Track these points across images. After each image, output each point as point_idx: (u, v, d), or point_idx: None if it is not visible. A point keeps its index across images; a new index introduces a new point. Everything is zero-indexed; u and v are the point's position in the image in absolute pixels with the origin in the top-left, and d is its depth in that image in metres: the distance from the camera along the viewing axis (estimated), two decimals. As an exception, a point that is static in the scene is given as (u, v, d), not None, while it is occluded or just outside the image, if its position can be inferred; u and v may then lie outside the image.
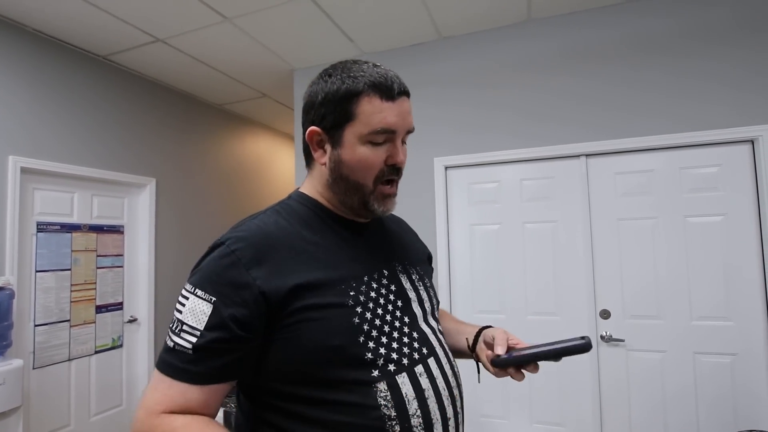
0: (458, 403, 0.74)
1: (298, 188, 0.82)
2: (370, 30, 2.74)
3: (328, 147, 0.72)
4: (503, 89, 2.67)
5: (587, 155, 2.49)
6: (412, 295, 0.77)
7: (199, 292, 0.64)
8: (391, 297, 0.73)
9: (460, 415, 0.74)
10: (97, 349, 2.98)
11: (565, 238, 2.52)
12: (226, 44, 2.88)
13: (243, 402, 0.73)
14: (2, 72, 2.48)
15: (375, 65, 0.70)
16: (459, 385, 0.77)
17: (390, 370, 0.67)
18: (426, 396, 0.68)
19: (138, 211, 3.33)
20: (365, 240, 0.78)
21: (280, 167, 5.05)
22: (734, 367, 2.20)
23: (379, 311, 0.70)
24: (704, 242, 2.27)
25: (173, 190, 3.58)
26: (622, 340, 2.37)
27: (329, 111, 0.70)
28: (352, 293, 0.68)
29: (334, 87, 0.69)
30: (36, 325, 2.62)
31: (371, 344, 0.66)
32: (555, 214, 2.55)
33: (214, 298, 0.62)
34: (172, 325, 0.65)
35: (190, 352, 0.61)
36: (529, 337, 2.55)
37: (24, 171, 2.58)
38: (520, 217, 2.62)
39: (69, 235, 2.84)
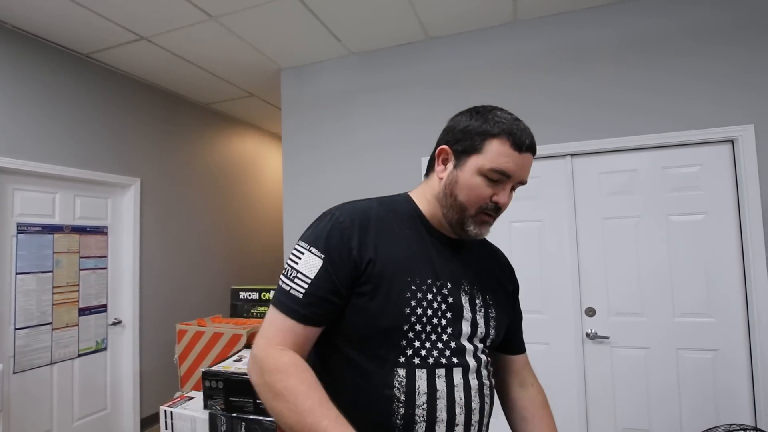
0: (474, 417, 0.80)
1: (408, 192, 0.93)
2: (357, 29, 2.73)
3: (450, 166, 0.83)
4: (489, 89, 2.69)
5: (572, 155, 2.52)
6: (466, 314, 0.83)
7: (314, 250, 0.78)
8: (444, 306, 0.80)
9: (473, 428, 0.80)
10: (80, 353, 2.93)
11: (551, 236, 2.55)
12: (211, 43, 2.85)
13: (312, 350, 0.84)
14: (-20, 70, 2.42)
15: (517, 119, 0.80)
16: (483, 403, 0.82)
17: (414, 362, 0.77)
18: (437, 396, 0.76)
19: (122, 211, 3.28)
20: (446, 252, 0.86)
21: (268, 167, 5.02)
22: (715, 362, 2.24)
23: (429, 312, 0.79)
24: (686, 240, 2.32)
25: (158, 190, 3.53)
26: (607, 338, 2.41)
27: (464, 138, 0.81)
28: (413, 287, 0.79)
29: (477, 123, 0.80)
30: (16, 329, 2.57)
31: (410, 335, 0.77)
32: (541, 214, 2.58)
33: (324, 256, 0.77)
34: (287, 272, 0.79)
35: (301, 297, 0.76)
36: (516, 335, 2.57)
37: (3, 171, 2.52)
38: (507, 216, 2.63)
39: (51, 236, 2.79)
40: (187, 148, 3.85)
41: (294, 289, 0.77)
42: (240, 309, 2.69)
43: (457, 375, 0.78)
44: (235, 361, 1.75)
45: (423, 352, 0.77)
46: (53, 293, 2.78)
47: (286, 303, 0.77)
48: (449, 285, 0.82)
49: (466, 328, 0.82)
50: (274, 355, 0.74)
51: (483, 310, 0.86)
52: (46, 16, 2.48)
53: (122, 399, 3.20)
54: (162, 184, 3.57)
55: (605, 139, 2.43)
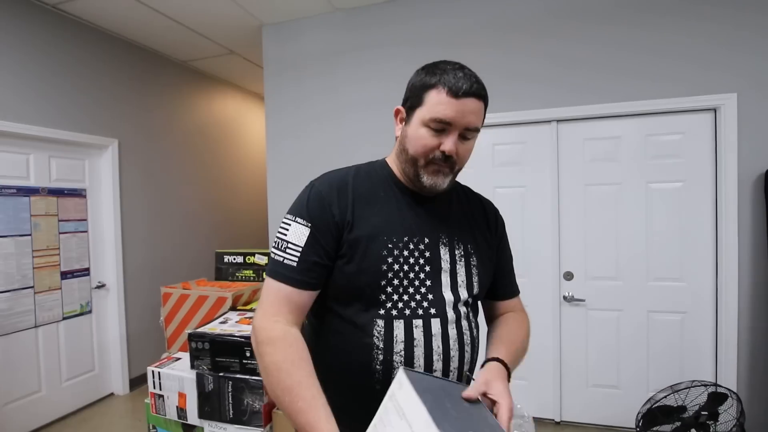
0: (452, 364, 0.85)
1: (385, 157, 0.97)
2: (342, -15, 2.61)
3: (403, 123, 0.88)
4: (476, 49, 2.63)
5: (558, 121, 2.52)
6: (445, 266, 0.87)
7: (300, 220, 0.85)
8: (422, 261, 0.85)
9: (452, 375, 0.85)
10: (65, 316, 2.93)
11: (533, 202, 2.58)
12: (187, -4, 2.70)
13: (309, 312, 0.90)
14: (-63, 20, 2.26)
15: (462, 68, 0.82)
16: (462, 352, 0.87)
17: (392, 314, 0.82)
18: (414, 344, 0.82)
19: (101, 173, 3.20)
20: (422, 210, 0.89)
21: (251, 128, 4.90)
22: (684, 324, 2.36)
23: (406, 267, 0.84)
24: (664, 208, 2.37)
25: (137, 151, 3.43)
26: (583, 300, 2.50)
27: (411, 95, 0.85)
28: (389, 245, 0.84)
29: (419, 78, 0.84)
30: (-3, 292, 2.54)
31: (389, 289, 0.83)
32: (525, 179, 2.60)
33: (310, 224, 0.83)
34: (278, 245, 0.85)
35: (296, 264, 0.82)
36: (496, 298, 2.65)
37: (-29, 131, 2.41)
38: (492, 182, 2.65)
39: (27, 198, 2.71)
40: (165, 108, 3.71)
41: (288, 258, 0.82)
42: (225, 272, 2.70)
43: (435, 325, 0.83)
44: (220, 323, 1.77)
45: (401, 305, 0.83)
46: (33, 257, 2.74)
47: (282, 272, 0.82)
48: (426, 240, 0.87)
49: (445, 279, 0.87)
50: (267, 327, 0.79)
51: (464, 260, 0.90)
52: (5, -39, 2.30)
53: (110, 360, 3.24)
54: (141, 145, 3.46)
55: (592, 105, 2.43)
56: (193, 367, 1.62)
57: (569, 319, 2.54)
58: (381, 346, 0.81)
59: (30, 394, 2.70)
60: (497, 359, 0.83)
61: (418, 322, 0.83)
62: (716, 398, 1.98)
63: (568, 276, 2.53)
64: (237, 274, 2.65)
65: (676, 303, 2.37)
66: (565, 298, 2.52)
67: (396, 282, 0.83)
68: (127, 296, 3.31)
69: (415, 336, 0.82)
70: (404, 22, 2.78)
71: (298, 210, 0.86)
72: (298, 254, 0.82)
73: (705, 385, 2.03)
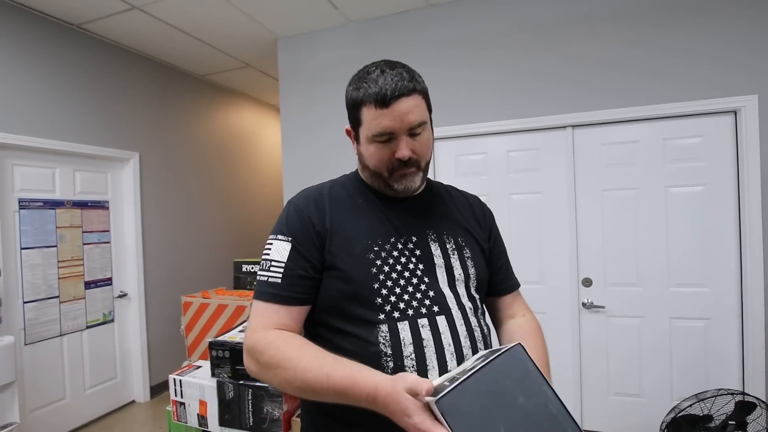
0: None
1: (356, 169, 0.96)
2: (355, -3, 2.65)
3: (356, 142, 0.88)
4: (490, 59, 2.64)
5: (573, 126, 2.50)
6: (438, 261, 0.85)
7: (280, 237, 0.83)
8: (414, 259, 0.83)
9: None
10: (88, 324, 3.00)
11: (550, 208, 2.56)
12: (206, 12, 2.78)
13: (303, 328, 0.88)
14: (-30, 42, 2.37)
15: (383, 71, 0.79)
16: (476, 349, 0.82)
17: (394, 316, 0.79)
18: (424, 345, 0.77)
19: (122, 185, 3.29)
20: (402, 209, 0.88)
21: (267, 139, 4.98)
22: (707, 331, 2.30)
23: (398, 267, 0.82)
24: (684, 212, 2.33)
25: (157, 163, 3.52)
26: (603, 307, 2.46)
27: (350, 115, 0.85)
28: (376, 248, 0.82)
29: (349, 96, 0.83)
30: (25, 302, 2.62)
31: (384, 291, 0.80)
32: (541, 185, 2.58)
33: (290, 238, 0.82)
34: (262, 266, 0.82)
35: (280, 280, 0.80)
36: (513, 305, 2.63)
37: (1, 147, 2.51)
38: (507, 188, 2.64)
39: (53, 211, 2.80)
40: (184, 121, 3.81)
41: (272, 277, 0.81)
42: (243, 281, 2.74)
43: (442, 323, 0.80)
44: (240, 331, 1.80)
45: (401, 305, 0.79)
46: (59, 267, 2.82)
47: (267, 291, 0.80)
48: (414, 239, 0.85)
49: (441, 274, 0.84)
50: (260, 338, 0.77)
51: (457, 253, 0.88)
52: (34, -16, 2.40)
53: (131, 368, 3.30)
54: (161, 158, 3.55)
55: (607, 110, 2.41)
56: (213, 375, 1.64)
57: (589, 326, 2.50)
58: (389, 352, 0.76)
59: (55, 401, 2.77)
60: None
61: (423, 321, 0.79)
62: (744, 407, 1.92)
63: (587, 282, 2.49)
64: (255, 283, 2.68)
65: (699, 309, 2.32)
66: (584, 304, 2.48)
67: (390, 283, 0.80)
68: (148, 305, 3.37)
69: (423, 336, 0.77)
70: (416, 32, 2.81)
71: (278, 228, 0.85)
72: (282, 270, 0.80)
73: (732, 394, 1.97)
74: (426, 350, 0.77)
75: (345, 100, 0.86)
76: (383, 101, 0.76)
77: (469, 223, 0.95)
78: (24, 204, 2.64)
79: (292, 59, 3.18)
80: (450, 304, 0.82)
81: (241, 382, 1.59)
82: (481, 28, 2.66)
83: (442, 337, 0.79)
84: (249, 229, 4.61)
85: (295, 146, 3.16)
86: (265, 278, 0.81)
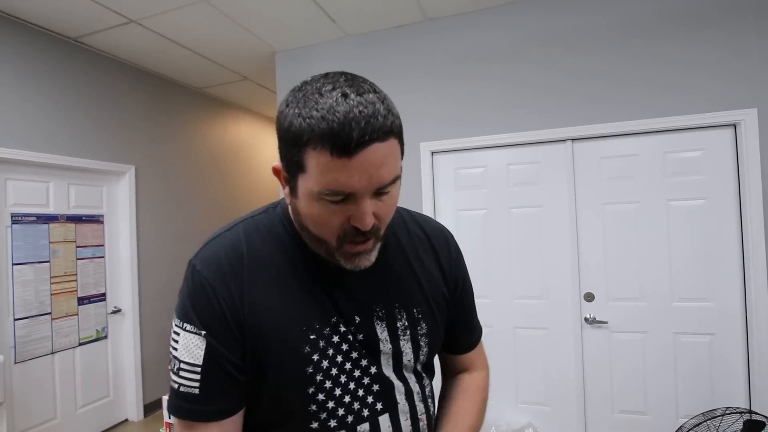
0: None
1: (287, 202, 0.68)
2: (353, 10, 2.65)
3: (287, 187, 0.61)
4: (489, 72, 2.63)
5: (573, 140, 2.49)
6: (385, 346, 0.69)
7: (188, 326, 0.61)
8: (357, 345, 0.66)
9: None
10: (81, 341, 2.93)
11: (550, 222, 2.54)
12: (203, 25, 2.77)
13: None
14: (-35, 56, 2.35)
15: (345, 95, 0.52)
16: None
17: (330, 426, 0.64)
18: None
19: (118, 199, 3.24)
20: (347, 280, 0.67)
21: (264, 152, 4.96)
22: (712, 346, 2.27)
23: (339, 359, 0.65)
24: (686, 226, 2.31)
25: (153, 177, 3.48)
26: (606, 322, 2.42)
27: (285, 150, 0.57)
28: (312, 336, 0.63)
29: (286, 123, 0.54)
30: (16, 319, 2.56)
31: (320, 396, 0.64)
32: (541, 199, 2.56)
33: (203, 332, 0.60)
34: (172, 364, 0.62)
35: (198, 392, 0.60)
36: (515, 320, 2.59)
37: (-6, 161, 2.47)
38: (507, 202, 2.62)
39: (46, 226, 2.76)
40: (181, 134, 3.78)
41: (184, 385, 0.60)
42: (239, 297, 2.69)
43: (385, 423, 0.67)
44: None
45: (340, 411, 0.65)
46: (51, 283, 2.76)
47: (185, 406, 0.61)
48: (357, 319, 0.67)
49: (386, 360, 0.69)
50: None
51: (409, 331, 0.71)
52: (31, -1, 2.39)
53: (124, 386, 3.23)
54: (157, 171, 3.52)
55: (607, 123, 2.40)
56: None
57: (592, 341, 2.46)
58: None
59: (46, 421, 2.69)
60: None
61: (364, 427, 0.65)
62: (752, 426, 1.88)
63: (589, 297, 2.46)
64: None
65: (703, 324, 2.28)
66: (586, 319, 2.44)
67: (329, 384, 0.64)
68: (143, 321, 3.31)
69: None
70: (414, 46, 2.81)
71: (183, 311, 0.62)
72: (198, 377, 0.60)
73: (740, 413, 1.93)
74: None
75: (277, 122, 0.58)
76: (344, 148, 0.50)
77: (430, 273, 0.75)
78: (17, 219, 2.59)
79: (290, 72, 3.17)
80: (397, 396, 0.69)
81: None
82: (480, 42, 2.66)
83: None
84: (246, 242, 4.56)
85: (293, 159, 3.13)
86: (177, 386, 0.61)
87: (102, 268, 3.11)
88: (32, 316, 2.65)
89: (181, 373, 0.61)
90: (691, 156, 2.31)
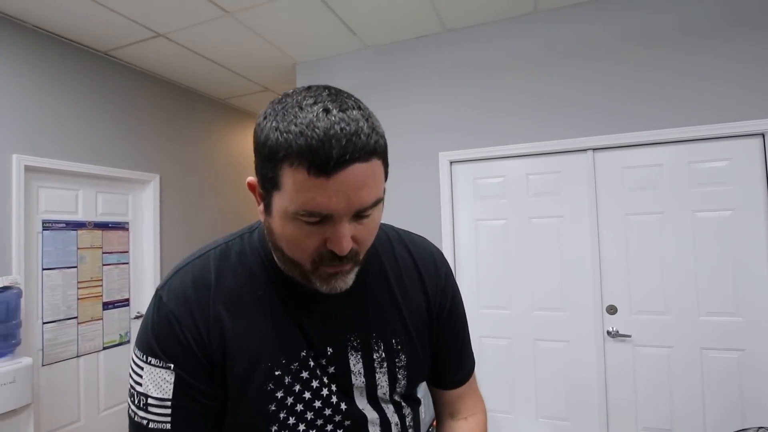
0: None
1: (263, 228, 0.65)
2: (373, 22, 2.70)
3: (262, 205, 0.58)
4: (509, 82, 2.63)
5: (594, 149, 2.46)
6: (357, 380, 0.65)
7: (153, 360, 0.58)
8: (326, 380, 0.63)
9: None
10: (104, 346, 3.00)
11: (571, 233, 2.50)
12: (227, 39, 2.85)
13: None
14: (3, 70, 2.46)
15: (326, 110, 0.48)
16: None
17: None
18: None
19: (143, 207, 3.33)
20: (322, 307, 0.64)
21: (284, 161, 5.03)
22: (742, 363, 2.19)
23: (307, 396, 0.61)
24: (712, 237, 2.25)
25: (177, 185, 3.57)
26: (629, 336, 2.37)
27: (260, 168, 0.54)
28: (277, 372, 0.60)
29: (263, 136, 0.51)
30: (44, 323, 2.64)
31: None
32: (562, 209, 2.53)
33: (171, 365, 0.58)
34: (134, 399, 0.59)
35: (169, 426, 0.57)
36: (535, 332, 2.55)
37: (28, 169, 2.57)
38: (527, 212, 2.60)
39: (74, 232, 2.84)
40: (204, 144, 3.87)
41: (155, 421, 0.57)
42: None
43: None
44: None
45: None
46: (78, 288, 2.85)
47: None
48: (330, 351, 0.63)
49: (359, 393, 0.65)
50: None
51: (386, 363, 0.66)
52: (65, 15, 2.50)
53: (145, 390, 3.28)
54: (181, 180, 3.61)
55: (629, 132, 2.37)
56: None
57: (614, 355, 2.40)
58: None
59: (70, 423, 2.75)
60: None
61: None
62: (786, 447, 1.80)
63: (612, 310, 2.41)
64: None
65: (731, 339, 2.21)
66: (609, 333, 2.39)
67: (292, 420, 0.61)
68: (164, 326, 3.37)
69: None
70: (433, 57, 2.83)
71: (145, 344, 0.59)
72: (169, 410, 0.57)
73: (772, 433, 1.85)
74: None
75: (254, 135, 0.55)
76: (322, 167, 0.47)
77: (413, 302, 0.70)
78: (47, 225, 2.69)
79: (310, 83, 3.20)
80: (370, 428, 0.65)
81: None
82: (500, 51, 2.67)
83: None
84: (265, 249, 4.61)
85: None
86: (146, 422, 0.57)
87: (126, 274, 3.19)
88: (60, 320, 2.73)
89: (150, 409, 0.58)
90: (717, 166, 2.26)
